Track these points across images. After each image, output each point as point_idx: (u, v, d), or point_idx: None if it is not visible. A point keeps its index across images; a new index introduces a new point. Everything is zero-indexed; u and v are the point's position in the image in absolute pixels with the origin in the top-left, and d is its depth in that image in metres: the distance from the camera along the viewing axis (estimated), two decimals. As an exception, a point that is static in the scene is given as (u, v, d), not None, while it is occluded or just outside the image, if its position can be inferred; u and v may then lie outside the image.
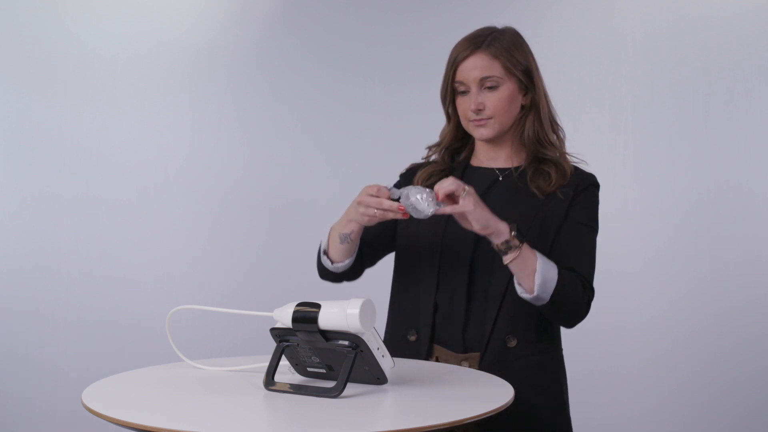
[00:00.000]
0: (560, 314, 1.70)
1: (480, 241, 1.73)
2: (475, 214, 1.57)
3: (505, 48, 1.73)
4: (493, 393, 1.42)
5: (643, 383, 3.16)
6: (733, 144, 3.15)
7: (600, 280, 3.36)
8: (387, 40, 3.25)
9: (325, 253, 1.78)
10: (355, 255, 1.78)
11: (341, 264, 1.78)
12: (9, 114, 3.17)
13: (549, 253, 1.70)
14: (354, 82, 3.26)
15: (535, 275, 1.61)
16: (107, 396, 1.40)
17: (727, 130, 3.15)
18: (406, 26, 3.25)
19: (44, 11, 3.17)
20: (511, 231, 1.60)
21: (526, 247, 1.61)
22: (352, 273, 1.84)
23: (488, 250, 1.70)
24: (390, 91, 3.24)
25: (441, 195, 1.57)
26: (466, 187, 1.57)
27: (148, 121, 3.22)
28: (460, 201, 1.56)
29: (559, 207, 1.73)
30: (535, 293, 1.62)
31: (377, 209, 1.59)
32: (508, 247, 1.60)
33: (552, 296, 1.63)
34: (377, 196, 1.59)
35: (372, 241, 1.83)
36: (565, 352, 1.83)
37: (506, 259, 1.61)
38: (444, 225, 1.77)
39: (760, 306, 3.13)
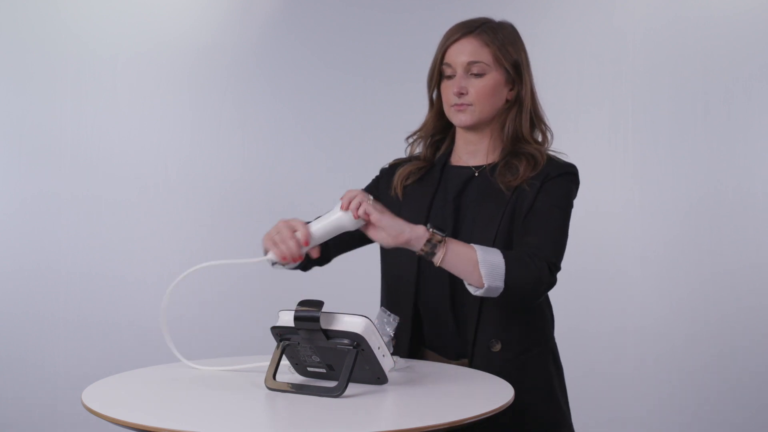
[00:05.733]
0: (521, 295, 1.61)
1: None
2: (383, 221, 1.53)
3: (498, 38, 1.72)
4: (493, 393, 1.42)
5: (643, 384, 3.16)
6: (733, 144, 3.15)
7: (600, 281, 3.35)
8: (387, 40, 3.26)
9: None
10: (303, 259, 1.70)
11: (283, 265, 1.67)
12: (9, 114, 3.17)
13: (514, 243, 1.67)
14: (354, 82, 3.26)
15: (478, 266, 1.55)
16: (107, 396, 1.40)
17: (727, 130, 3.16)
18: (406, 26, 3.25)
19: (44, 11, 3.17)
20: (428, 229, 1.55)
21: (452, 242, 1.56)
22: (314, 265, 1.80)
23: None
24: (390, 91, 3.25)
25: (345, 206, 1.54)
26: (370, 198, 1.54)
27: (148, 121, 3.22)
28: (370, 215, 1.53)
29: (525, 199, 1.69)
30: (486, 285, 1.55)
31: (285, 248, 1.55)
32: (432, 246, 1.54)
33: (506, 281, 1.55)
34: (291, 235, 1.56)
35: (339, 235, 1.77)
36: (565, 353, 1.82)
37: (436, 259, 1.55)
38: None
39: (760, 306, 3.13)
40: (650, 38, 3.19)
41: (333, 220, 1.58)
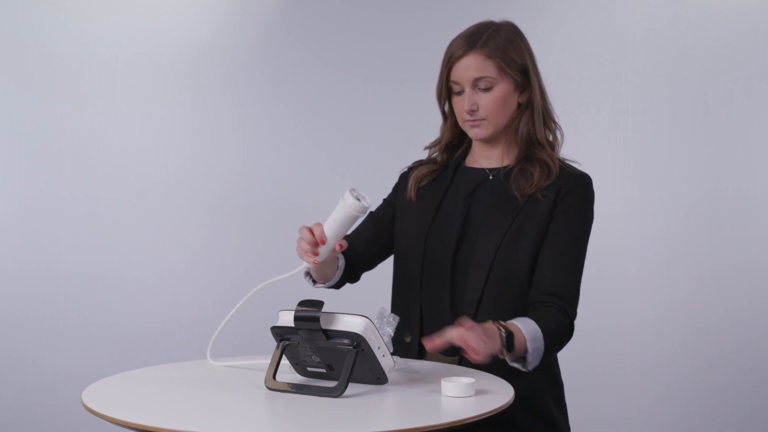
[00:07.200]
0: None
1: (461, 246, 1.73)
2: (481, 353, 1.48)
3: (501, 47, 1.71)
4: (493, 393, 1.42)
5: (642, 383, 3.16)
6: (733, 144, 3.15)
7: (599, 280, 3.34)
8: (387, 40, 3.25)
9: (308, 274, 1.79)
10: (338, 275, 1.79)
11: (323, 285, 1.80)
12: (9, 114, 3.17)
13: (527, 264, 1.69)
14: (354, 82, 3.26)
15: (527, 356, 1.58)
16: (107, 396, 1.40)
17: (727, 129, 3.16)
18: (406, 26, 3.25)
19: (44, 11, 3.17)
20: (501, 343, 1.52)
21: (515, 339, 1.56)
22: (345, 282, 1.86)
23: (466, 255, 1.71)
24: (390, 91, 3.24)
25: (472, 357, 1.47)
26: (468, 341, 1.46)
27: (148, 121, 3.22)
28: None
29: (538, 210, 1.71)
30: (529, 370, 1.61)
31: (307, 251, 1.58)
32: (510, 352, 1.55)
33: (542, 358, 1.62)
34: (308, 241, 1.58)
35: (362, 251, 1.85)
36: (564, 352, 1.81)
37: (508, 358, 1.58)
38: (428, 227, 1.77)
39: (759, 306, 3.13)
40: (650, 38, 3.19)
41: (338, 211, 1.60)
